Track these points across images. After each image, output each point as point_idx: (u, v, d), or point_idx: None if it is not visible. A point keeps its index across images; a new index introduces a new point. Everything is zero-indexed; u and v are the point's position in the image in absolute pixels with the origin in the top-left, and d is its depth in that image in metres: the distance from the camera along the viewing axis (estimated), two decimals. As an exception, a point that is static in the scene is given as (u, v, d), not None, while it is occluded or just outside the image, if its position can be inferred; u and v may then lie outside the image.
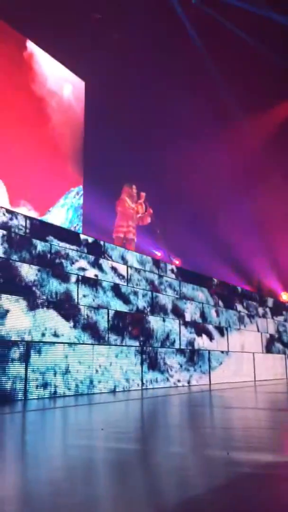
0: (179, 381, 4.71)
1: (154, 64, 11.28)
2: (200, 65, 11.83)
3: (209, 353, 5.34)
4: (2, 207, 4.81)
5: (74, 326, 3.85)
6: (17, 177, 9.71)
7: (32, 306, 3.52)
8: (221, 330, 6.03)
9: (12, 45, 10.06)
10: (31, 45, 10.57)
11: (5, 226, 4.60)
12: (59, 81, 11.52)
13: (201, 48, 11.72)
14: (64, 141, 11.41)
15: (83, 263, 5.04)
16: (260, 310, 8.24)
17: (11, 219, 4.77)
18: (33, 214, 10.15)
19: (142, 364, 4.27)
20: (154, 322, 4.85)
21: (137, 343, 4.47)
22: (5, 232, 4.31)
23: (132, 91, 11.75)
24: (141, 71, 11.45)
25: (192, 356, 5.03)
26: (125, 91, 11.64)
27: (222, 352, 5.69)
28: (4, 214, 4.71)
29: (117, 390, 3.91)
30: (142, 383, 4.22)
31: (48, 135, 10.86)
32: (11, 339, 3.27)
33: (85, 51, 10.84)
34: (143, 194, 8.54)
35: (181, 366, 4.80)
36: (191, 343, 5.35)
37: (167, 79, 11.48)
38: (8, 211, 4.83)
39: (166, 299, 5.68)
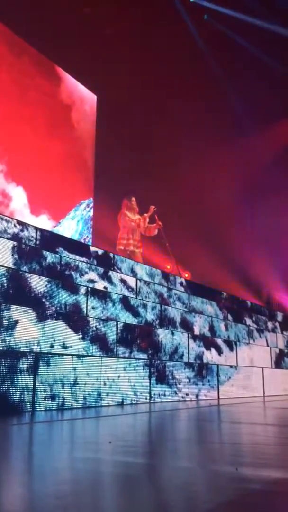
0: (187, 395, 4.68)
1: (165, 78, 11.40)
2: (211, 79, 11.93)
3: (217, 367, 5.30)
4: (13, 219, 4.85)
5: (83, 338, 3.86)
6: (31, 189, 9.84)
7: (41, 317, 3.53)
8: (230, 344, 5.99)
9: (26, 59, 10.21)
10: (44, 60, 10.72)
11: (16, 237, 4.63)
12: (72, 95, 11.66)
13: (212, 63, 11.82)
14: (76, 154, 11.51)
15: (92, 275, 5.06)
16: (270, 325, 8.18)
17: (22, 230, 4.81)
18: (51, 223, 10.26)
19: (150, 377, 4.25)
20: (163, 335, 4.84)
21: (145, 356, 4.46)
22: (15, 243, 4.34)
23: (143, 106, 11.85)
24: (153, 86, 11.57)
25: (201, 370, 5.00)
26: (137, 105, 11.74)
27: (231, 366, 5.65)
28: (15, 226, 4.75)
29: (125, 403, 3.89)
30: (150, 397, 4.20)
31: (60, 148, 10.97)
32: (20, 350, 3.28)
33: (98, 65, 10.97)
34: (152, 207, 8.55)
35: (189, 380, 4.78)
36: (199, 356, 5.32)
37: (178, 93, 11.59)
38: (19, 222, 4.87)
39: (175, 312, 5.67)
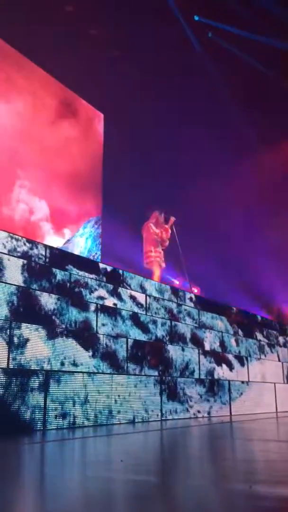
0: (199, 412, 4.63)
1: (173, 96, 11.54)
2: (218, 96, 12.04)
3: (229, 383, 5.26)
4: (23, 237, 4.89)
5: (93, 355, 3.85)
6: (41, 207, 9.99)
7: (52, 335, 3.54)
8: (241, 360, 5.94)
9: (35, 80, 10.39)
10: (51, 80, 10.89)
11: (25, 255, 4.66)
12: (79, 113, 11.81)
13: (217, 80, 11.94)
14: (84, 172, 11.63)
15: (102, 292, 5.06)
16: (281, 339, 8.11)
17: (31, 248, 4.84)
18: (61, 241, 10.35)
19: (161, 394, 4.22)
20: (173, 351, 4.82)
21: (156, 373, 4.44)
22: (25, 262, 4.37)
23: (150, 124, 11.97)
24: (160, 104, 11.70)
25: (212, 386, 4.96)
26: (144, 124, 11.86)
27: (243, 382, 5.59)
28: (24, 244, 4.78)
29: (136, 420, 3.86)
30: (162, 414, 4.17)
31: (68, 166, 11.09)
32: (31, 368, 3.28)
33: (105, 84, 11.13)
34: (172, 218, 8.57)
35: (200, 396, 4.73)
36: (210, 372, 5.28)
37: (187, 110, 11.70)
38: (28, 240, 4.91)
39: (185, 327, 5.64)
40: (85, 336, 3.90)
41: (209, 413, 4.77)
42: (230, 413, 5.08)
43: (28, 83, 10.22)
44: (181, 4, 10.92)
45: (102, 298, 5.01)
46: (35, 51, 10.03)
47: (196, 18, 11.39)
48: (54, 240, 10.23)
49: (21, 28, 9.28)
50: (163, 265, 8.37)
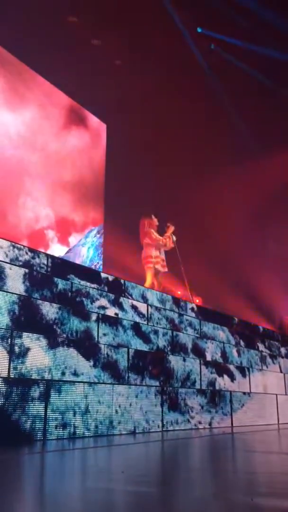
0: (200, 423, 4.61)
1: (174, 105, 11.60)
2: (219, 105, 12.13)
3: (230, 394, 5.23)
4: (24, 246, 4.90)
5: (94, 365, 3.84)
6: (44, 215, 10.05)
7: (53, 344, 3.53)
8: (242, 371, 5.92)
9: (38, 90, 10.48)
10: (54, 89, 10.98)
11: (27, 264, 4.67)
12: (83, 124, 11.89)
13: (219, 89, 12.03)
14: (86, 182, 11.68)
15: (103, 301, 5.06)
16: (283, 350, 8.08)
17: (33, 257, 4.85)
18: (63, 250, 10.37)
19: (162, 405, 4.20)
20: (175, 361, 4.80)
21: (157, 383, 4.42)
22: (27, 271, 4.37)
23: (152, 134, 12.04)
24: (161, 113, 11.77)
25: (213, 397, 4.94)
26: (146, 133, 11.93)
27: (244, 393, 5.56)
28: (26, 253, 4.79)
29: (137, 431, 3.84)
30: (163, 425, 4.14)
31: (71, 176, 11.16)
32: (31, 377, 3.27)
33: (108, 95, 11.21)
34: (171, 227, 8.58)
35: (202, 407, 4.71)
36: (212, 383, 5.26)
37: (188, 119, 11.77)
38: (30, 250, 4.91)
39: (186, 338, 5.63)
40: (86, 345, 3.89)
41: (210, 424, 4.74)
42: (232, 424, 5.05)
43: (32, 93, 10.32)
44: (184, 16, 11.03)
45: (103, 307, 5.01)
46: (39, 61, 10.13)
47: (199, 30, 11.50)
48: (58, 248, 10.26)
49: (25, 38, 9.38)
50: (165, 269, 8.38)
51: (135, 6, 10.02)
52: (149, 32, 10.53)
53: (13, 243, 4.73)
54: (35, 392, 3.15)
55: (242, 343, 7.05)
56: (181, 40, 11.41)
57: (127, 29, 10.53)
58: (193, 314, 6.81)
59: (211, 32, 11.49)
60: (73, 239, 11.06)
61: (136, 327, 4.91)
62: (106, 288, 5.45)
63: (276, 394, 6.18)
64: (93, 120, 12.31)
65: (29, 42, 9.49)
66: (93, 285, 5.24)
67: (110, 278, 5.70)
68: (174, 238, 8.61)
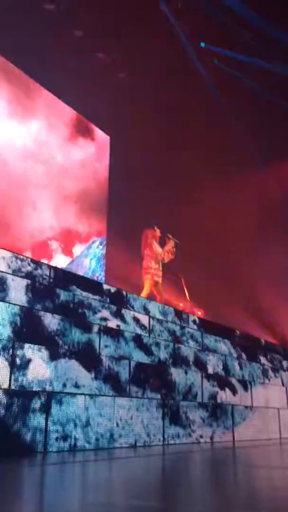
0: (201, 436, 4.57)
1: (176, 118, 11.70)
2: (222, 119, 12.20)
3: (232, 407, 5.19)
4: (27, 257, 4.91)
5: (96, 377, 3.82)
6: (47, 226, 10.09)
7: (54, 356, 3.52)
8: (244, 384, 5.88)
9: (43, 102, 10.58)
10: (60, 104, 11.08)
11: (29, 275, 4.68)
12: (87, 136, 11.99)
13: (221, 103, 12.12)
14: (90, 193, 11.75)
15: (105, 313, 5.05)
16: (285, 364, 8.03)
17: (35, 268, 4.85)
18: (65, 261, 10.39)
19: (163, 418, 4.18)
20: (176, 374, 4.78)
21: (158, 396, 4.39)
22: (29, 282, 4.38)
23: (156, 146, 12.11)
24: (165, 126, 11.86)
25: (215, 410, 4.90)
26: (149, 145, 12.00)
27: (246, 407, 5.52)
28: (29, 264, 4.80)
29: (137, 444, 3.81)
30: (164, 438, 4.11)
31: (74, 187, 11.21)
32: (32, 389, 3.26)
33: (111, 107, 11.31)
34: (171, 241, 8.60)
35: (203, 421, 4.68)
36: (213, 396, 5.23)
37: (191, 132, 11.85)
38: (33, 261, 4.92)
39: (188, 350, 5.61)
40: (87, 357, 3.88)
41: (211, 438, 4.71)
42: (233, 438, 5.01)
43: (37, 106, 10.43)
44: (188, 31, 11.15)
45: (105, 319, 5.00)
46: (44, 74, 10.25)
47: (202, 44, 11.61)
48: (62, 259, 10.29)
49: (30, 52, 9.49)
50: (159, 280, 8.41)
51: (138, 21, 10.15)
52: (152, 46, 10.64)
53: (16, 254, 4.74)
54: (36, 403, 3.14)
55: (244, 356, 7.01)
56: (184, 54, 11.52)
57: (131, 43, 10.65)
58: (195, 327, 6.79)
59: (215, 47, 11.60)
60: (77, 250, 11.10)
61: (137, 339, 4.90)
62: (108, 300, 5.45)
63: (278, 408, 6.14)
64: (97, 133, 12.41)
65: (34, 56, 9.61)
66: (95, 297, 5.24)
67: (112, 289, 5.70)
68: (174, 248, 8.63)
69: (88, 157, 12.01)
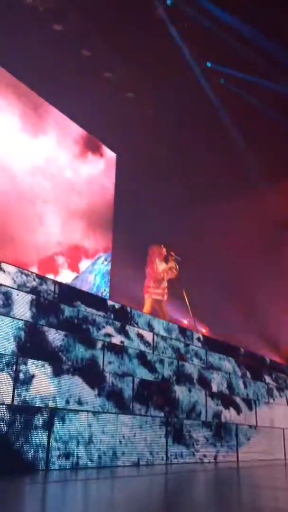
0: (205, 456, 4.52)
1: (183, 136, 11.81)
2: (228, 137, 12.30)
3: (236, 427, 5.13)
4: (32, 272, 4.93)
5: (99, 394, 3.80)
6: (52, 242, 10.13)
7: (58, 371, 3.51)
8: (249, 403, 5.82)
9: (49, 118, 10.72)
10: (66, 120, 11.21)
11: (34, 291, 4.68)
12: (94, 153, 12.11)
13: (227, 122, 12.23)
14: (98, 210, 11.84)
15: (109, 329, 5.04)
16: (290, 383, 7.95)
17: (40, 284, 4.87)
18: (70, 277, 10.42)
19: (167, 436, 4.13)
20: (180, 392, 4.74)
21: (161, 414, 4.36)
22: (34, 297, 4.38)
23: (162, 163, 12.21)
24: (171, 144, 11.96)
25: (219, 430, 4.85)
26: (155, 163, 12.10)
27: (250, 427, 5.46)
28: (34, 279, 4.81)
29: (140, 463, 3.77)
30: (167, 457, 4.07)
31: (84, 204, 11.32)
32: (35, 405, 3.24)
33: (118, 125, 11.43)
34: (173, 261, 8.62)
35: (207, 440, 4.62)
36: (217, 415, 5.17)
37: (196, 149, 11.94)
38: (38, 276, 4.94)
39: (192, 368, 5.57)
40: (91, 374, 3.86)
41: (215, 457, 4.65)
42: (237, 458, 4.94)
43: (46, 123, 10.58)
44: (194, 50, 11.31)
45: (109, 335, 4.99)
46: (53, 93, 10.40)
47: (209, 64, 11.76)
48: (68, 274, 10.32)
49: (39, 72, 9.66)
50: (160, 298, 8.41)
51: (146, 41, 10.33)
52: (159, 65, 10.79)
53: (21, 269, 4.76)
54: (39, 420, 3.12)
55: (248, 374, 6.96)
56: (191, 74, 11.67)
57: (138, 62, 10.81)
58: (199, 344, 6.76)
59: (221, 66, 11.75)
60: (82, 266, 11.13)
61: (141, 356, 4.88)
62: (112, 316, 5.44)
63: (283, 428, 6.06)
64: (104, 150, 12.54)
65: (43, 75, 9.77)
66: (99, 313, 5.24)
67: (117, 305, 5.70)
68: (176, 266, 8.65)
69: (96, 173, 12.11)
